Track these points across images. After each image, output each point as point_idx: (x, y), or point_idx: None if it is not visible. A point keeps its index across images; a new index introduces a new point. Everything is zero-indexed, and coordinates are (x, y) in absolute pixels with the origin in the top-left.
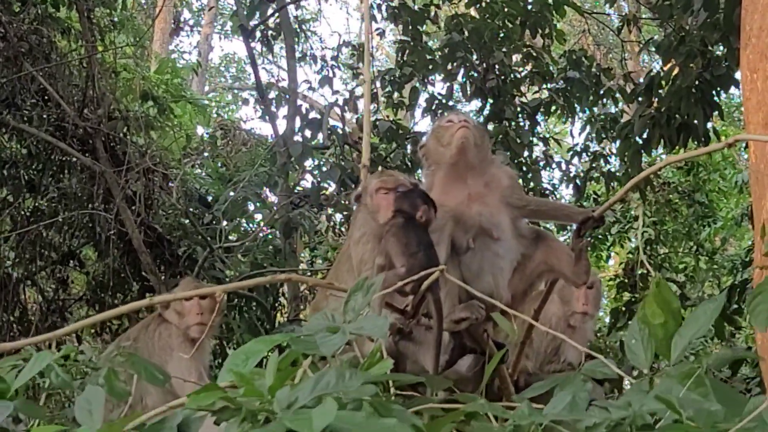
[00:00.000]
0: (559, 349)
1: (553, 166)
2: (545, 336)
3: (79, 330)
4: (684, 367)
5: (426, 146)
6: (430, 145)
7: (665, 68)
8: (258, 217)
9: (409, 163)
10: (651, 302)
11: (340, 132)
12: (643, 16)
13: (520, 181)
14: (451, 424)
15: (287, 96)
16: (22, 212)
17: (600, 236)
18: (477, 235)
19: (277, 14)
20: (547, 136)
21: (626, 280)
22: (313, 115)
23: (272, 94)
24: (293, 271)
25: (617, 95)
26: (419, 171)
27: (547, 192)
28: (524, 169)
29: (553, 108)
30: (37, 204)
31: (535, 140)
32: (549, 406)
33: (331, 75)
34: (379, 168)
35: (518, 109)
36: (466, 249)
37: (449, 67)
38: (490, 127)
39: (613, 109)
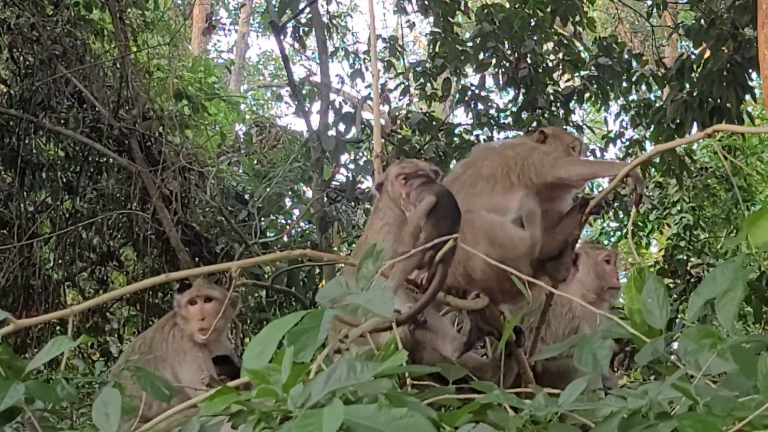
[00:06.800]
0: (577, 332)
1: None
2: (563, 318)
3: (121, 329)
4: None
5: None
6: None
7: (696, 51)
8: (294, 212)
9: (442, 155)
10: (630, 288)
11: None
12: (674, 0)
13: None
14: (468, 416)
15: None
16: (61, 214)
17: (639, 223)
18: None
19: (308, 9)
20: (582, 124)
21: (666, 267)
22: (346, 109)
23: (305, 90)
24: (330, 266)
25: (650, 80)
26: (453, 163)
27: None
28: None
29: (587, 95)
30: (75, 206)
31: (569, 128)
32: (564, 394)
33: (363, 68)
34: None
35: (551, 97)
36: None
37: (481, 57)
38: (524, 116)
39: (648, 95)
